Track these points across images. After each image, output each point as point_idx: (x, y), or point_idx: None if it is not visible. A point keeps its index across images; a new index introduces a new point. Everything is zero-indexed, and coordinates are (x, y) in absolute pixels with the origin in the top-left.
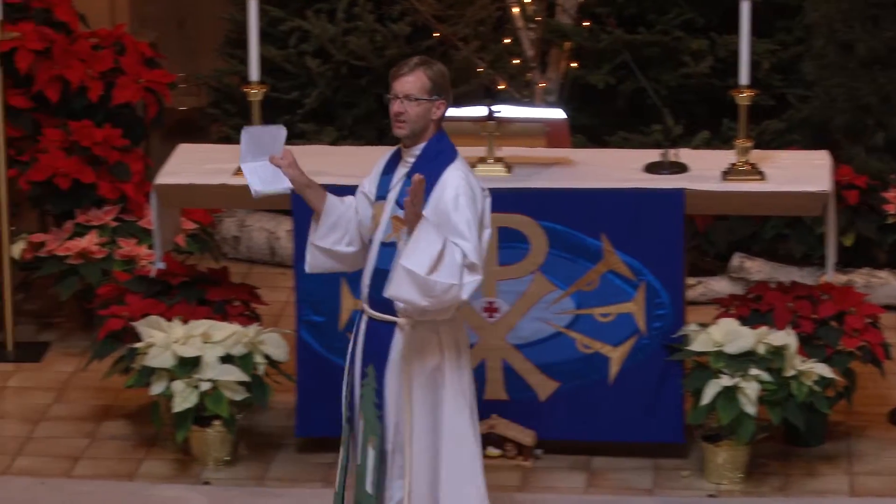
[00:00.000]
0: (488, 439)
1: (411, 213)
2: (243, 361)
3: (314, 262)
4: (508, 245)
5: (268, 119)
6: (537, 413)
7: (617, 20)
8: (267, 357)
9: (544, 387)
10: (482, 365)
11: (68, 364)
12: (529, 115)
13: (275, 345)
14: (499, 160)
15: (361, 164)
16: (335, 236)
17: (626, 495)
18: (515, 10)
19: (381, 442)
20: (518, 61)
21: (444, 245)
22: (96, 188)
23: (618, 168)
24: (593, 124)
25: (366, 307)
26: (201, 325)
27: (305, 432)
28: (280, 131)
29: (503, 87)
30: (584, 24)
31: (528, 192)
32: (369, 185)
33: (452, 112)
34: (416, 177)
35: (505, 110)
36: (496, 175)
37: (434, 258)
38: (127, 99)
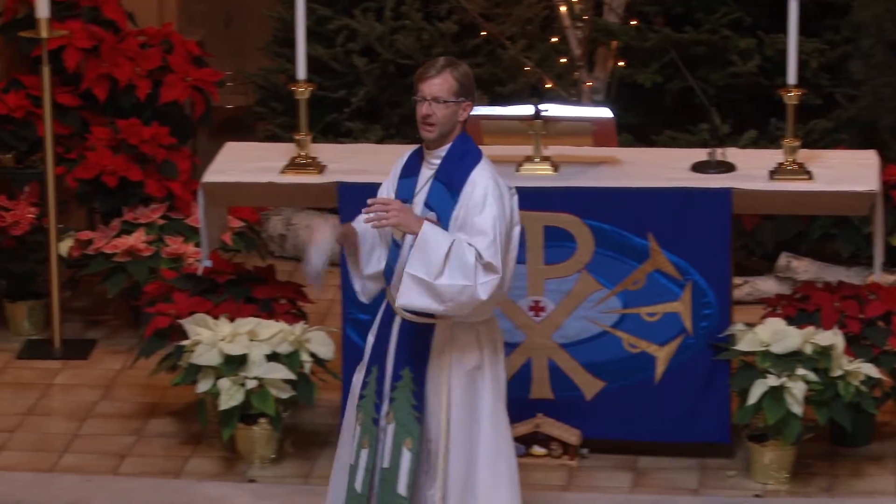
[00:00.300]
0: (534, 438)
1: (394, 220)
2: (289, 359)
3: (367, 290)
4: (555, 244)
5: (315, 117)
6: (583, 412)
7: (664, 19)
8: (313, 355)
9: (590, 386)
10: (528, 364)
11: (115, 361)
12: (576, 114)
13: (321, 343)
14: (545, 159)
15: None
16: (374, 258)
17: (672, 495)
18: (563, 8)
19: (418, 443)
20: (565, 60)
21: (451, 247)
22: (144, 186)
23: (665, 167)
24: (640, 123)
25: (399, 310)
26: (248, 323)
27: None
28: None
29: (550, 85)
30: (632, 22)
31: (575, 191)
32: (387, 190)
33: (499, 111)
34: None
35: (552, 109)
36: (543, 174)
37: (440, 262)
38: (174, 97)
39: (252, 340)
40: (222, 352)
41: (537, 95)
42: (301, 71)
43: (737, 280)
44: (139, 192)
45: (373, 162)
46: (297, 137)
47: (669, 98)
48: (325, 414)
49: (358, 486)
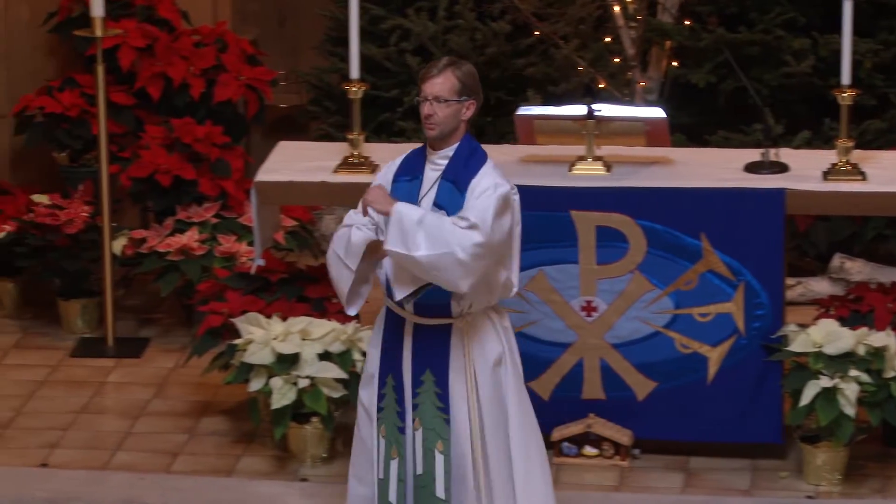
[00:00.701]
0: (586, 439)
1: (368, 197)
2: (342, 358)
3: (359, 302)
4: (607, 244)
5: (367, 116)
6: (635, 413)
7: (718, 19)
8: (364, 354)
9: (642, 386)
10: (580, 364)
11: (168, 360)
12: (629, 114)
13: None
14: (598, 159)
15: None
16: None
17: (724, 496)
18: (616, 8)
19: (449, 445)
20: (618, 60)
21: (424, 217)
22: (197, 185)
23: (718, 167)
24: (693, 123)
25: (409, 315)
26: (300, 322)
27: None
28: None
29: (603, 85)
30: (686, 22)
31: (628, 191)
32: None
33: (552, 110)
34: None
35: (605, 109)
36: (595, 174)
37: (414, 232)
38: (228, 96)
39: (304, 339)
40: (275, 351)
41: (590, 95)
42: (354, 70)
43: (790, 281)
44: (193, 190)
45: None
46: (349, 137)
47: (723, 98)
48: None
49: (393, 498)
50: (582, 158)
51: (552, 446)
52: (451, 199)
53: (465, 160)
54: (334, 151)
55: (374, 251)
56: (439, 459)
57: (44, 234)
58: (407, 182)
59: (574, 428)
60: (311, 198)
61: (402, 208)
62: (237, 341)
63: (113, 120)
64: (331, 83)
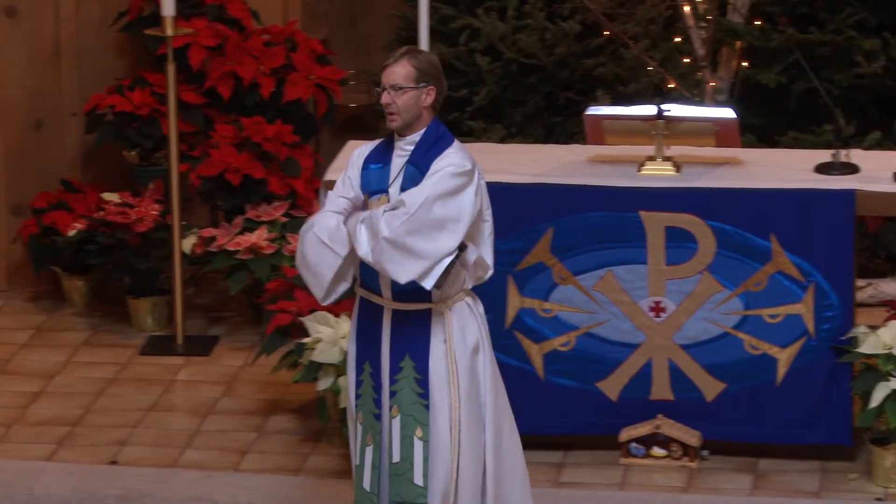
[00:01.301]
0: (654, 440)
1: None
2: None
3: (339, 292)
4: (676, 245)
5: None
6: (703, 414)
7: (789, 19)
8: None
9: (711, 387)
10: (648, 365)
11: (237, 358)
12: (699, 115)
13: None
14: (667, 159)
15: (529, 162)
16: None
17: (793, 498)
18: (686, 8)
19: (428, 431)
20: (688, 60)
21: (364, 217)
22: (266, 184)
23: (788, 168)
24: (764, 124)
25: (388, 302)
26: None
27: None
28: None
29: (673, 85)
30: (756, 22)
31: (697, 192)
32: (344, 184)
33: (622, 110)
34: None
35: (674, 109)
36: (665, 174)
37: (355, 234)
38: (298, 95)
39: None
40: (343, 349)
41: (660, 95)
42: None
43: (860, 282)
44: (262, 189)
45: (494, 161)
46: None
47: (793, 99)
48: None
49: (366, 484)
50: (651, 159)
51: (620, 447)
52: (414, 182)
53: (430, 145)
54: None
55: None
56: (418, 446)
57: (114, 232)
58: (378, 169)
59: (642, 429)
60: None
61: (353, 215)
62: (305, 340)
63: (183, 119)
64: None
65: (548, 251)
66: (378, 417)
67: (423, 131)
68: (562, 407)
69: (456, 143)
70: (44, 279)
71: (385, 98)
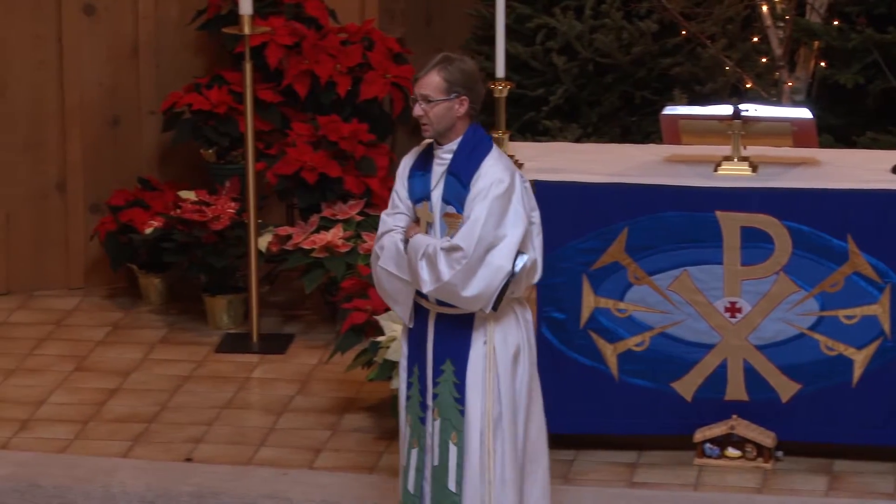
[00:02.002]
0: (728, 440)
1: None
2: None
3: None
4: (752, 245)
5: (512, 115)
6: (778, 414)
7: (867, 19)
8: None
9: (786, 388)
10: (723, 365)
11: (311, 356)
12: (776, 115)
13: None
14: (744, 159)
15: (605, 161)
16: None
17: (869, 499)
18: (764, 8)
19: (463, 437)
20: (766, 60)
21: (423, 252)
22: (342, 182)
23: (865, 168)
24: (841, 124)
25: (432, 306)
26: None
27: None
28: None
29: (750, 85)
30: (834, 22)
31: (774, 192)
32: (398, 193)
33: (698, 110)
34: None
35: (751, 109)
36: (741, 174)
37: (415, 270)
38: (374, 94)
39: None
40: None
41: (737, 95)
42: (500, 69)
43: None
44: (338, 188)
45: (570, 161)
46: (494, 135)
47: (871, 99)
48: None
49: (410, 486)
50: (728, 159)
51: (694, 447)
52: (455, 193)
53: (468, 153)
54: None
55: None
56: (453, 451)
57: (191, 230)
58: (421, 176)
59: (717, 429)
60: None
61: (411, 243)
62: (380, 338)
63: (260, 117)
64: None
65: (623, 251)
66: (423, 421)
67: (459, 140)
68: (636, 407)
69: (494, 150)
70: (121, 277)
71: (417, 110)
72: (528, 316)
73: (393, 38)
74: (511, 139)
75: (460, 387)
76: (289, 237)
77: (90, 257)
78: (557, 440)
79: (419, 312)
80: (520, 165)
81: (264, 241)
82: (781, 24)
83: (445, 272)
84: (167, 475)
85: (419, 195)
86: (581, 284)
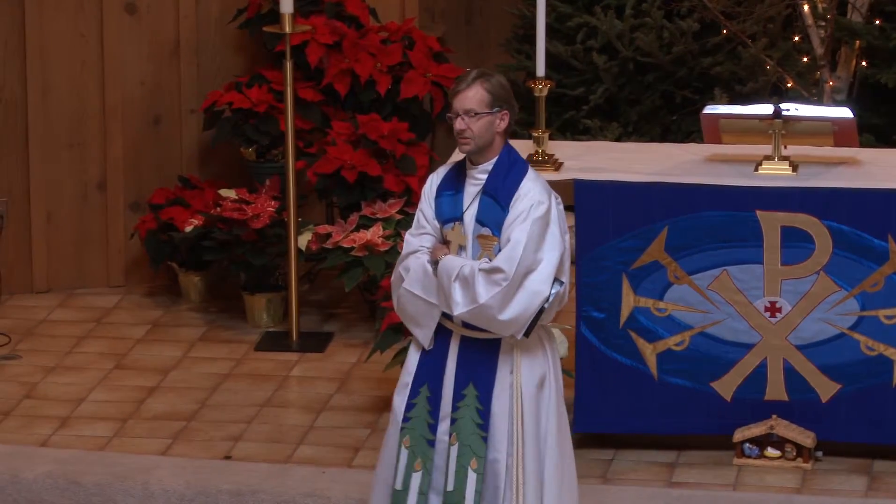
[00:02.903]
0: (768, 440)
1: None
2: None
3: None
4: (793, 244)
5: (552, 114)
6: (818, 415)
7: None
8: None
9: (826, 388)
10: (763, 365)
11: (351, 355)
12: (817, 114)
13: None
14: (784, 159)
15: (645, 160)
16: None
17: None
18: (806, 7)
19: (484, 463)
20: (807, 59)
21: (458, 274)
22: (382, 181)
23: None
24: (882, 124)
25: (457, 328)
26: None
27: (584, 428)
28: None
29: (791, 85)
30: (876, 22)
31: (814, 192)
32: (424, 212)
33: (739, 110)
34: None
35: (792, 109)
36: (781, 174)
37: (448, 292)
38: (414, 93)
39: None
40: None
41: (778, 94)
42: (540, 68)
43: None
44: (378, 186)
45: (610, 160)
46: (534, 134)
47: None
48: None
49: None
50: (768, 158)
51: (733, 447)
52: (492, 214)
53: (504, 173)
54: (519, 149)
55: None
56: (472, 478)
57: (230, 228)
58: (451, 196)
59: (756, 429)
60: None
61: (443, 264)
62: None
63: (300, 116)
64: (516, 81)
65: (663, 250)
66: (432, 444)
67: (495, 159)
68: (675, 407)
69: (531, 171)
70: (161, 275)
71: (459, 124)
72: (555, 344)
73: (433, 37)
74: (551, 138)
75: (484, 413)
76: (328, 236)
77: (130, 256)
78: (596, 440)
79: (440, 332)
80: (559, 165)
81: (304, 240)
82: (823, 24)
83: (483, 294)
84: (206, 473)
85: (449, 216)
86: (621, 284)
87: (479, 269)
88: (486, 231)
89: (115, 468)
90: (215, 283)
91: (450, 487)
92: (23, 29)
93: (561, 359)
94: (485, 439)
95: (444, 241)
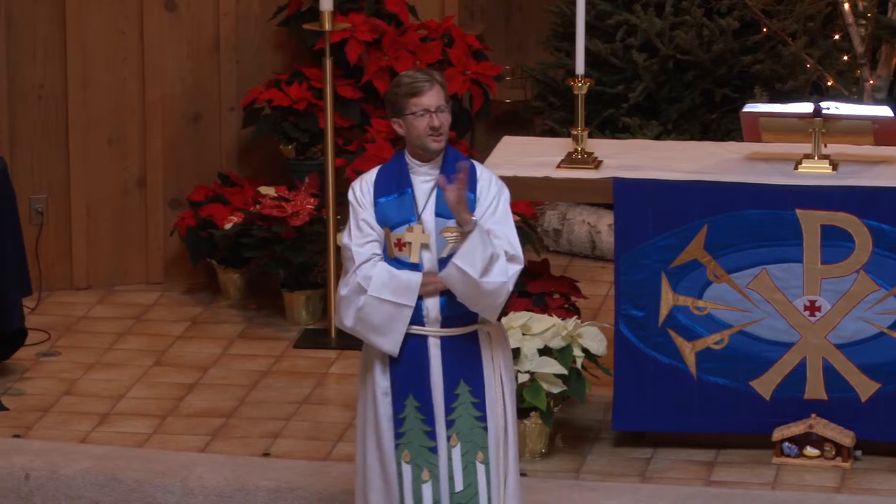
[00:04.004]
0: (807, 439)
1: (462, 196)
2: (561, 354)
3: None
4: (832, 243)
5: (592, 112)
6: (858, 414)
7: None
8: (585, 350)
9: (865, 387)
10: (802, 364)
11: None
12: (857, 113)
13: (593, 338)
14: (824, 157)
15: (685, 159)
16: None
17: None
18: (846, 5)
19: (488, 454)
20: (847, 58)
21: (496, 249)
22: None
23: None
24: None
25: (435, 331)
26: (521, 317)
27: (622, 426)
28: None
29: (831, 83)
30: None
31: (854, 190)
32: (370, 218)
33: (779, 108)
34: (464, 164)
35: (832, 107)
36: (822, 172)
37: (486, 261)
38: (453, 90)
39: (525, 334)
40: None
41: (818, 93)
42: (580, 66)
43: None
44: None
45: (649, 158)
46: (573, 132)
47: None
48: (596, 409)
49: None
50: (808, 157)
51: (772, 446)
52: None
53: (453, 163)
54: (558, 147)
55: (427, 284)
56: (481, 470)
57: (270, 225)
58: (395, 199)
59: (795, 428)
60: (534, 193)
61: (480, 230)
62: None
63: (339, 113)
64: (556, 78)
65: (702, 248)
66: (434, 451)
67: (443, 154)
68: (714, 405)
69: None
70: (200, 272)
71: (436, 121)
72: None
73: (472, 35)
74: (590, 136)
75: (480, 405)
76: None
77: (170, 252)
78: (635, 438)
79: (410, 340)
80: (599, 163)
81: (343, 237)
82: (863, 22)
83: (512, 281)
84: (245, 470)
85: (399, 219)
86: (660, 282)
87: (504, 252)
88: (450, 223)
89: (154, 465)
90: (254, 280)
91: (458, 488)
92: (63, 25)
93: (599, 357)
94: (485, 430)
95: (397, 244)
